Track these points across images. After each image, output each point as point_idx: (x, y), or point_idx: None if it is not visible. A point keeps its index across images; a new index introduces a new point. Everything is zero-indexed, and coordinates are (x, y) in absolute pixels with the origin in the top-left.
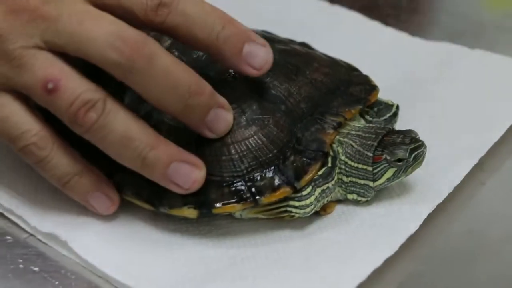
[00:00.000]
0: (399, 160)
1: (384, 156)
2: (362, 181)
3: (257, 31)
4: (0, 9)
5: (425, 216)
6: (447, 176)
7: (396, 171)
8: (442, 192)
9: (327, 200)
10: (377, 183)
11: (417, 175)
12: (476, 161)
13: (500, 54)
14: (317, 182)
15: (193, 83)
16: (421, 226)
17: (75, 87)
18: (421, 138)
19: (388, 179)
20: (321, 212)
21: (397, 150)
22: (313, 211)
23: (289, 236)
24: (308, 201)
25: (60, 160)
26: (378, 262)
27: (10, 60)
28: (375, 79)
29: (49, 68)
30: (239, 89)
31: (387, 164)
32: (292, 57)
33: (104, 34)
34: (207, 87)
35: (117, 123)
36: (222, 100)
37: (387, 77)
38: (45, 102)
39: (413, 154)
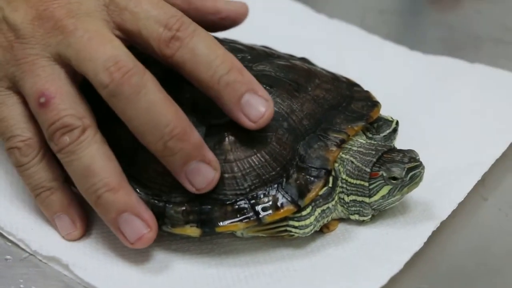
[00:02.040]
0: (395, 178)
1: (380, 173)
2: (360, 198)
3: (258, 47)
4: (30, 13)
5: (429, 234)
6: (450, 193)
7: (391, 189)
8: (445, 210)
9: (327, 220)
10: (372, 199)
11: (420, 193)
12: (478, 177)
13: (500, 68)
14: (317, 202)
15: (178, 126)
16: (425, 243)
17: (62, 109)
18: (421, 155)
19: (383, 197)
20: (324, 229)
21: (394, 168)
22: (312, 231)
23: (292, 254)
24: (307, 221)
25: (38, 172)
26: (384, 280)
27: (23, 63)
28: (375, 94)
29: (48, 83)
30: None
31: (382, 181)
32: (294, 73)
33: (104, 55)
34: (193, 136)
35: (85, 154)
36: (210, 156)
37: (387, 92)
38: (34, 112)
39: (410, 174)
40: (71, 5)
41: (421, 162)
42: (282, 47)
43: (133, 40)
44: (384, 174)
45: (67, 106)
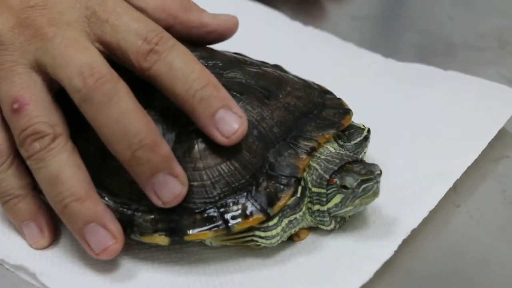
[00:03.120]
0: (346, 187)
1: (335, 180)
2: (321, 207)
3: (230, 54)
4: (11, 20)
5: (400, 242)
6: (421, 201)
7: (343, 198)
8: (417, 217)
9: (294, 231)
10: (327, 206)
11: (391, 201)
12: (450, 185)
13: (473, 74)
14: (284, 212)
15: (147, 136)
16: (395, 251)
17: (35, 116)
18: (393, 163)
19: (336, 205)
20: (295, 238)
21: (347, 177)
22: (279, 241)
23: (262, 262)
24: (274, 232)
25: (6, 178)
26: None
27: (0, 69)
28: (348, 101)
29: (23, 90)
30: None
31: (336, 189)
32: (265, 80)
33: (79, 62)
34: (162, 148)
35: (54, 161)
36: (179, 170)
37: (360, 99)
38: (7, 118)
39: (362, 186)
40: (52, 15)
41: (376, 177)
42: (256, 54)
43: (112, 53)
44: (338, 182)
45: (40, 113)
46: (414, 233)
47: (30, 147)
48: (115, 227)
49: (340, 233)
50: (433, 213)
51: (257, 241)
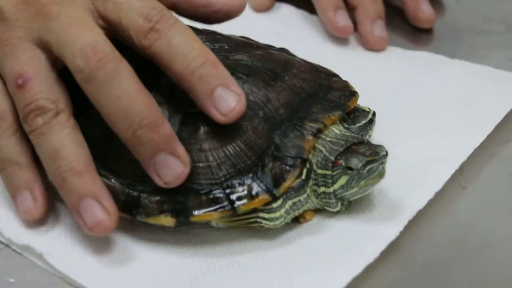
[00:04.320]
0: (351, 168)
1: (340, 161)
2: (327, 189)
3: (237, 37)
4: None
5: (406, 223)
6: (427, 182)
7: (349, 179)
8: (423, 198)
9: (299, 213)
10: (333, 188)
11: (397, 182)
12: (457, 167)
13: (479, 58)
14: (288, 194)
15: (149, 116)
16: (401, 232)
17: (38, 91)
18: (399, 146)
19: (342, 187)
20: (301, 219)
21: (352, 158)
22: (283, 223)
23: (268, 243)
24: (278, 214)
25: (9, 145)
26: (358, 268)
27: (5, 45)
28: (356, 86)
29: (28, 66)
30: None
31: (341, 170)
32: (271, 63)
33: (83, 41)
34: (164, 128)
35: (55, 136)
36: (181, 150)
37: (367, 85)
38: (12, 93)
39: (367, 167)
40: None
41: (381, 158)
42: (262, 39)
43: (114, 29)
44: (343, 164)
45: (43, 89)
46: (420, 214)
47: (33, 122)
48: (110, 204)
49: (346, 215)
50: (439, 195)
51: (260, 223)
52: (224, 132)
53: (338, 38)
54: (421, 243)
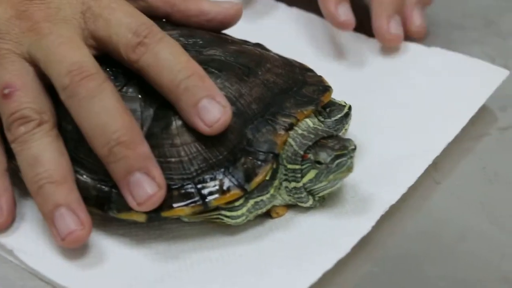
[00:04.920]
0: (319, 162)
1: (309, 155)
2: (297, 184)
3: (212, 33)
4: (9, 11)
5: (378, 218)
6: (400, 177)
7: (317, 173)
8: (395, 193)
9: (261, 211)
10: (302, 182)
11: (371, 177)
12: (430, 162)
13: (458, 51)
14: (250, 193)
15: (126, 134)
16: (374, 227)
17: (24, 101)
18: (374, 141)
19: (311, 180)
20: (273, 214)
21: (321, 152)
22: (245, 221)
23: (240, 238)
24: (239, 212)
25: None
26: (329, 263)
27: None
28: (331, 80)
29: (15, 77)
30: None
31: (310, 164)
32: (245, 58)
33: (70, 60)
34: (141, 147)
35: (37, 144)
36: (156, 172)
37: (343, 77)
38: None
39: (336, 161)
40: (50, 10)
41: (349, 152)
42: (240, 36)
43: (104, 46)
44: (312, 157)
45: (29, 100)
46: (394, 209)
47: (16, 130)
48: (85, 216)
49: (319, 209)
50: (413, 190)
51: (222, 219)
52: None
53: (315, 31)
54: (394, 237)
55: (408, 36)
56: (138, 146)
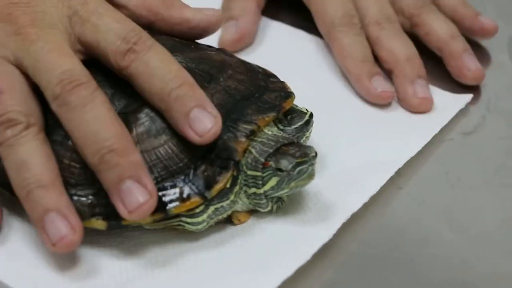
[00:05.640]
0: (281, 170)
1: (270, 163)
2: (257, 190)
3: (174, 39)
4: None
5: (339, 225)
6: (363, 186)
7: (279, 180)
8: (357, 202)
9: (222, 217)
10: (263, 189)
11: (333, 185)
12: (392, 173)
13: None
14: (210, 200)
15: (118, 142)
16: (337, 233)
17: (10, 104)
18: (338, 150)
19: (273, 188)
20: (235, 221)
21: (282, 160)
22: (206, 227)
23: (201, 245)
24: (200, 219)
25: None
26: (290, 270)
27: None
28: (295, 86)
29: (1, 80)
30: None
31: (271, 172)
32: (206, 64)
33: (60, 69)
34: (133, 155)
35: (23, 148)
36: (148, 180)
37: (307, 84)
38: None
39: (298, 168)
40: (36, 14)
41: (310, 159)
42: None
43: (91, 51)
44: (273, 165)
45: (15, 102)
46: (356, 215)
47: (2, 134)
48: (76, 220)
49: (281, 217)
50: (375, 195)
51: (183, 226)
52: (156, 134)
53: (284, 38)
54: (356, 244)
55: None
56: (130, 154)
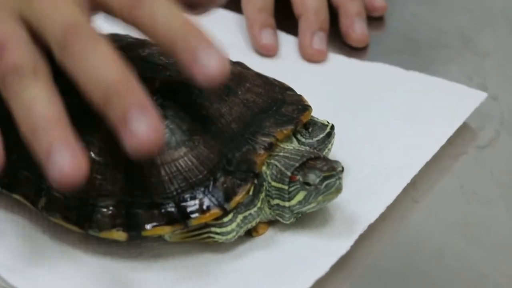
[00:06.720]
0: (308, 184)
1: (298, 177)
2: (282, 203)
3: None
4: None
5: (357, 237)
6: (379, 196)
7: (306, 195)
8: (374, 212)
9: (251, 225)
10: (290, 203)
11: (349, 195)
12: (408, 180)
13: (435, 70)
14: (238, 209)
15: (123, 82)
16: (353, 246)
17: (18, 54)
18: (352, 160)
19: (300, 202)
20: (253, 233)
21: (309, 174)
22: (236, 237)
23: (220, 258)
24: (229, 228)
25: None
26: (308, 283)
27: None
28: (312, 99)
29: (8, 33)
30: (168, 109)
31: (299, 186)
32: None
33: (65, 17)
34: (139, 93)
35: (32, 88)
36: (154, 114)
37: (322, 98)
38: None
39: (325, 182)
40: None
41: (338, 173)
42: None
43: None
44: (301, 179)
45: (23, 53)
46: (372, 228)
47: (10, 78)
48: (82, 154)
49: (298, 229)
50: (391, 209)
51: (214, 237)
52: (175, 146)
53: (294, 52)
54: (372, 257)
55: (389, 58)
56: (136, 91)
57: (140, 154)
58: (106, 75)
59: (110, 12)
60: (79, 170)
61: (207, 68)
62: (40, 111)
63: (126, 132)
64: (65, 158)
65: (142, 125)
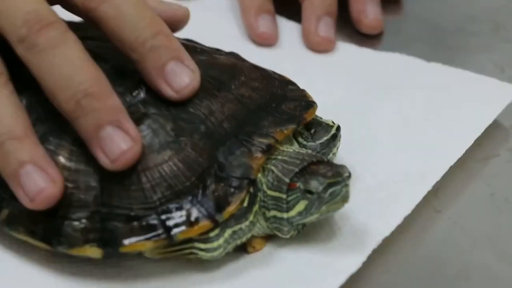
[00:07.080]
0: (310, 192)
1: (298, 184)
2: (279, 214)
3: (181, 40)
4: None
5: (370, 253)
6: (396, 205)
7: (307, 204)
8: (390, 224)
9: (241, 242)
10: (289, 214)
11: (362, 205)
12: (429, 188)
13: (462, 61)
14: (227, 222)
15: (95, 85)
16: (366, 262)
17: None
18: (367, 163)
19: (300, 213)
20: (249, 249)
21: (311, 180)
22: (223, 254)
23: (211, 277)
24: (215, 244)
25: None
26: None
27: None
28: (316, 95)
29: None
30: (151, 107)
31: (299, 194)
32: (215, 70)
33: (25, 9)
34: (112, 99)
35: None
36: (129, 125)
37: (332, 92)
38: None
39: (330, 190)
40: None
41: (344, 179)
42: (215, 44)
43: None
44: (301, 186)
45: None
46: (388, 242)
47: None
48: (55, 171)
49: (301, 243)
50: (410, 220)
51: (197, 254)
52: (158, 149)
53: (300, 41)
54: (389, 275)
55: (412, 46)
56: (108, 97)
57: (115, 169)
58: (74, 78)
59: (69, 3)
60: (53, 189)
61: (177, 86)
62: (4, 124)
63: (98, 150)
64: (36, 181)
65: (115, 147)
